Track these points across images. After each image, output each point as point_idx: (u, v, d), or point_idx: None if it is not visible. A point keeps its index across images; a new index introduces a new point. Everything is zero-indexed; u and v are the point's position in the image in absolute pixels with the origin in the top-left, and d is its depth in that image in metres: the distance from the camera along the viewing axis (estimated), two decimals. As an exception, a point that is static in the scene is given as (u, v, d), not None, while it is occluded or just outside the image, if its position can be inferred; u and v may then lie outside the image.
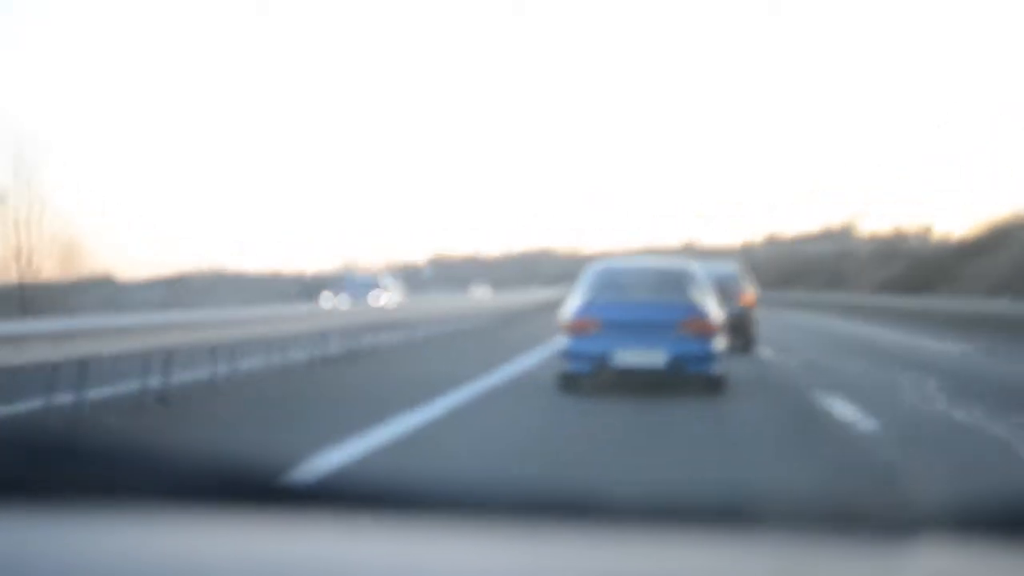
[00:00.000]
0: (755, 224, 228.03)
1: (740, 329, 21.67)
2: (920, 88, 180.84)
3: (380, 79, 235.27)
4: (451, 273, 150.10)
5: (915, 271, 53.18)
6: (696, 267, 15.02)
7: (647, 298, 13.77)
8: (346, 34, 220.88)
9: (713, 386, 13.10)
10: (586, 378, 13.29)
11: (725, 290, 21.71)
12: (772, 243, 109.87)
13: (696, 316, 13.37)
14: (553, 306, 45.79)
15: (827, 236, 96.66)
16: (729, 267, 23.72)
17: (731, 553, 1.03)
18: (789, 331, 30.09)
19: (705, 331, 13.25)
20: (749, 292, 22.49)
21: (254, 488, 1.14)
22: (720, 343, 13.39)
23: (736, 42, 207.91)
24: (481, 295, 48.24)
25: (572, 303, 13.96)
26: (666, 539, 1.04)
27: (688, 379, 13.10)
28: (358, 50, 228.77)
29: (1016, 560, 1.05)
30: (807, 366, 17.76)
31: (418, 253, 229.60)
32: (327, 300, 34.41)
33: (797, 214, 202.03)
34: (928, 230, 75.64)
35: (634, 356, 13.19)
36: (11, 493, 1.11)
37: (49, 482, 1.12)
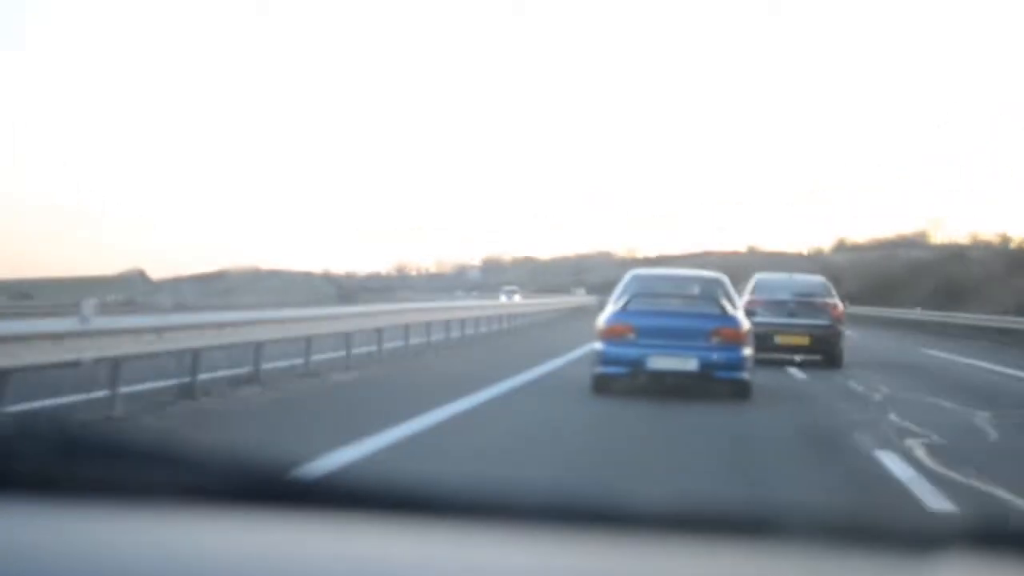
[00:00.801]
0: (821, 228, 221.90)
1: (827, 344, 20.90)
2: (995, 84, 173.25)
3: (433, 79, 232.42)
4: (501, 277, 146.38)
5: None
6: (725, 277, 15.76)
7: (680, 306, 14.61)
8: (404, 32, 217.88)
9: (741, 391, 13.79)
10: (619, 381, 13.96)
11: (812, 303, 21.32)
12: (843, 249, 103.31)
13: (727, 325, 14.11)
14: (580, 314, 40.14)
15: (903, 242, 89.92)
16: (815, 279, 23.41)
17: (751, 564, 1.05)
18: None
19: (735, 339, 13.99)
20: (838, 305, 21.81)
21: (267, 484, 1.16)
22: (748, 350, 14.05)
23: (783, 35, 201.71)
24: (505, 302, 45.13)
25: (608, 309, 14.73)
26: (685, 548, 1.05)
27: (717, 384, 13.79)
28: (411, 45, 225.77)
29: None
30: None
31: (471, 255, 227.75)
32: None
33: (864, 219, 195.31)
34: (1006, 238, 68.90)
35: (667, 361, 13.90)
36: (24, 489, 1.13)
37: (77, 478, 1.14)
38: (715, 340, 13.94)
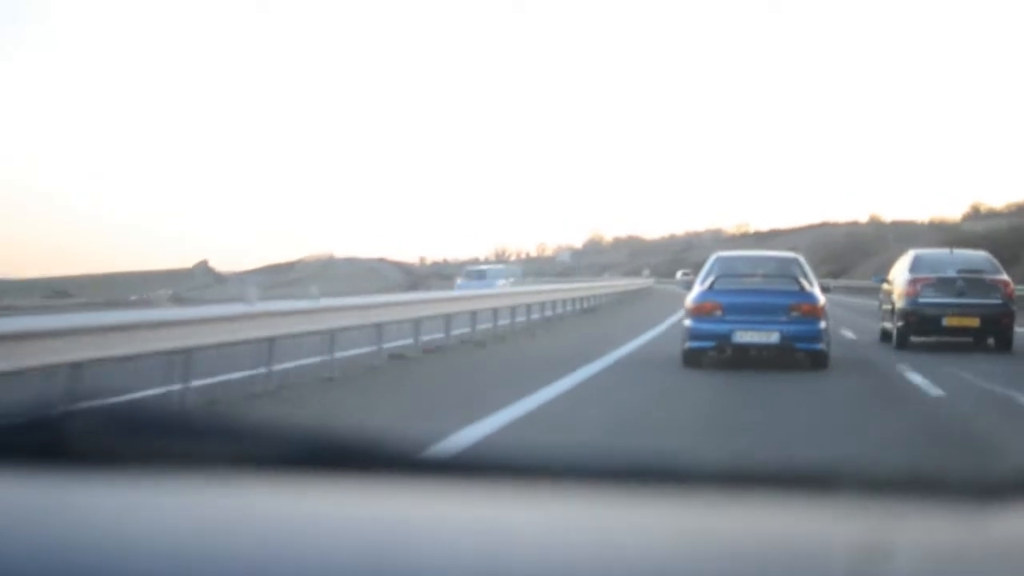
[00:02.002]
0: (949, 193, 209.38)
1: (999, 326, 19.80)
2: None
3: (539, 55, 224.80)
4: (600, 258, 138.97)
5: None
6: (801, 257, 17.72)
7: (761, 284, 16.41)
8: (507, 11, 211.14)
9: (819, 361, 15.59)
10: (707, 354, 15.97)
11: (981, 280, 20.30)
12: (978, 216, 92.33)
13: (805, 300, 15.85)
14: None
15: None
16: (979, 254, 22.12)
17: (812, 518, 1.09)
18: None
19: (812, 313, 15.73)
20: (1010, 283, 20.62)
21: (391, 461, 1.22)
22: (824, 323, 15.84)
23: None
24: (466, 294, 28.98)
25: (695, 289, 16.59)
26: (750, 503, 1.12)
27: (797, 354, 15.68)
28: (516, 24, 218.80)
29: None
30: None
31: (574, 236, 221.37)
32: None
33: (993, 184, 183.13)
34: None
35: (751, 335, 15.68)
36: (83, 461, 1.19)
37: (192, 454, 1.21)
38: (794, 314, 15.71)
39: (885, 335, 21.04)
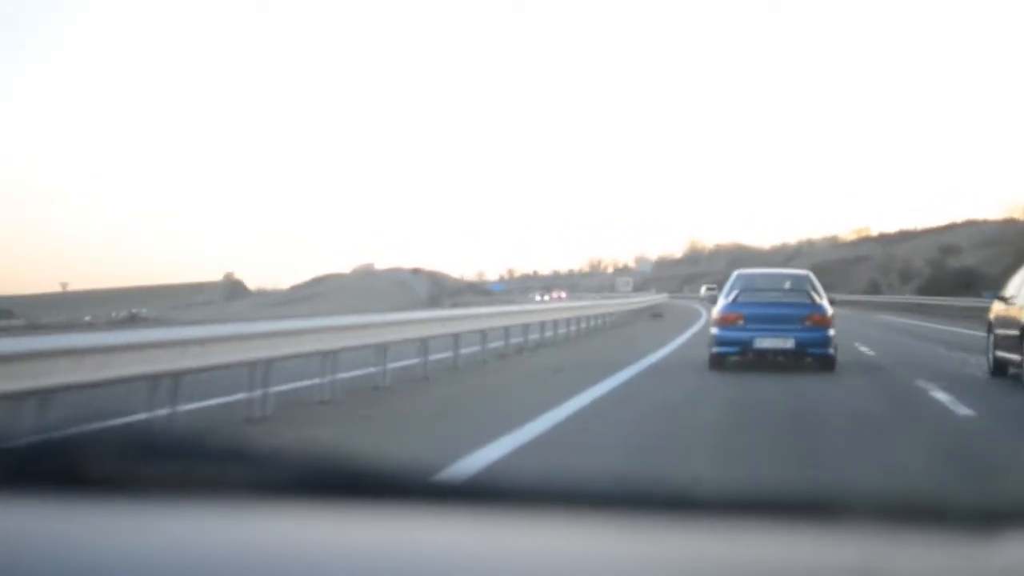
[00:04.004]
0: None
1: None
2: None
3: (633, 69, 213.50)
4: (694, 267, 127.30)
5: None
6: (811, 274, 21.32)
7: (778, 297, 19.76)
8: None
9: (827, 364, 18.83)
10: (731, 358, 19.43)
11: None
12: None
13: (816, 311, 19.09)
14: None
15: None
16: None
17: (815, 546, 1.12)
18: None
19: (823, 323, 18.99)
20: None
21: (403, 486, 1.25)
22: (832, 331, 19.22)
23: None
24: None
25: (720, 302, 20.01)
26: (753, 531, 1.15)
27: (808, 358, 19.12)
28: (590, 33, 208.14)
29: None
30: None
31: (674, 245, 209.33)
32: None
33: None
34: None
35: (770, 342, 18.77)
36: (96, 488, 1.23)
37: (206, 479, 1.23)
38: (807, 324, 18.70)
39: (999, 367, 18.17)
